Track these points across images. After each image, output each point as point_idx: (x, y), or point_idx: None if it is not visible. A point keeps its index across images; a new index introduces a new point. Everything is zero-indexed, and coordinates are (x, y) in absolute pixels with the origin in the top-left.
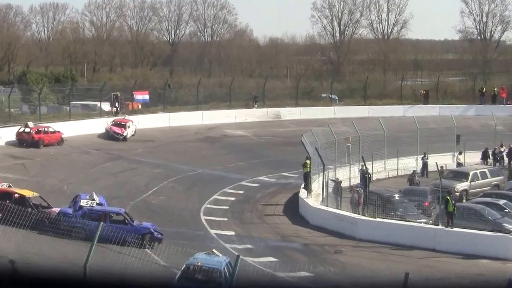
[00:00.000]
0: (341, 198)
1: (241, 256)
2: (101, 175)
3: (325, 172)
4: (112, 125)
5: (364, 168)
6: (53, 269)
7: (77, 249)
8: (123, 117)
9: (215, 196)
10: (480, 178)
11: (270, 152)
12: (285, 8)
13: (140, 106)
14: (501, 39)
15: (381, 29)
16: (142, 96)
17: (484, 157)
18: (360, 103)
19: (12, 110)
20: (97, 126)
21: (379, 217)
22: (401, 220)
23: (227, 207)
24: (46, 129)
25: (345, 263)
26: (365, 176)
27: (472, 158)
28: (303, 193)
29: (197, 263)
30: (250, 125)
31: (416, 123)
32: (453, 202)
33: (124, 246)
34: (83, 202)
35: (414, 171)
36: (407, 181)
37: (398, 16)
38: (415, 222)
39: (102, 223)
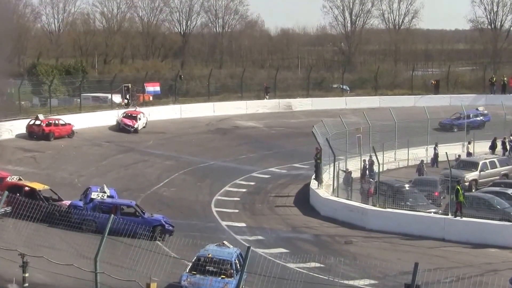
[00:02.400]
0: (351, 188)
1: (252, 248)
2: (112, 167)
3: (336, 163)
4: (123, 117)
5: (372, 158)
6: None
7: (88, 241)
8: (134, 109)
9: (226, 188)
10: (489, 168)
11: (281, 143)
12: None
13: (151, 98)
14: (511, 28)
15: (392, 19)
16: (153, 87)
17: (493, 146)
18: (371, 93)
19: (23, 102)
20: (108, 118)
21: (389, 208)
22: (411, 210)
23: (238, 199)
24: (56, 122)
25: (356, 253)
26: (372, 166)
27: (481, 147)
28: (314, 184)
29: (208, 254)
30: (262, 116)
31: (426, 113)
32: (463, 191)
33: (135, 238)
34: (94, 195)
35: (422, 160)
36: (416, 171)
37: (409, 6)
38: (425, 212)
39: (112, 215)
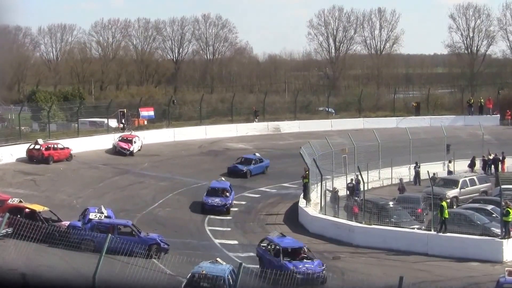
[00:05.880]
0: (338, 206)
1: (243, 264)
2: (109, 189)
3: (323, 182)
4: (119, 140)
5: (357, 178)
6: (63, 281)
7: (87, 260)
8: (129, 133)
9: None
10: (469, 185)
11: (271, 164)
12: (283, 26)
13: (145, 122)
14: (487, 53)
15: (374, 45)
16: (147, 112)
17: (472, 165)
18: (355, 115)
19: (23, 128)
20: (105, 142)
21: (374, 224)
22: (395, 226)
23: (230, 218)
24: (55, 146)
25: (343, 268)
26: (358, 185)
27: (461, 166)
28: (302, 202)
29: (202, 271)
30: (251, 139)
31: (408, 134)
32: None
33: (132, 257)
34: (92, 215)
35: (401, 179)
36: (397, 190)
37: (390, 33)
38: (409, 228)
39: (110, 235)
